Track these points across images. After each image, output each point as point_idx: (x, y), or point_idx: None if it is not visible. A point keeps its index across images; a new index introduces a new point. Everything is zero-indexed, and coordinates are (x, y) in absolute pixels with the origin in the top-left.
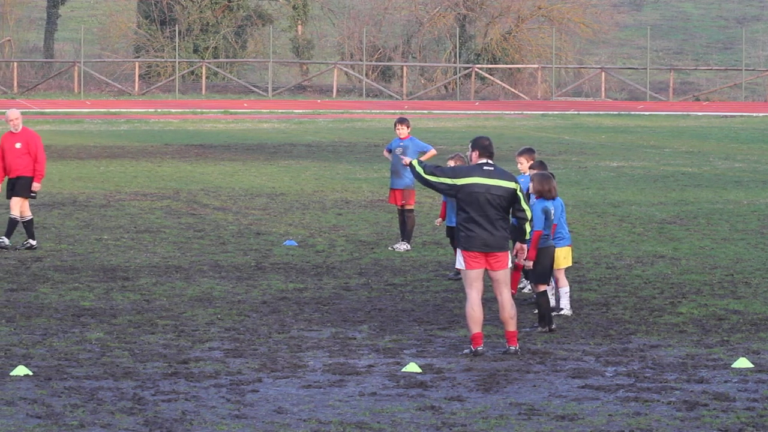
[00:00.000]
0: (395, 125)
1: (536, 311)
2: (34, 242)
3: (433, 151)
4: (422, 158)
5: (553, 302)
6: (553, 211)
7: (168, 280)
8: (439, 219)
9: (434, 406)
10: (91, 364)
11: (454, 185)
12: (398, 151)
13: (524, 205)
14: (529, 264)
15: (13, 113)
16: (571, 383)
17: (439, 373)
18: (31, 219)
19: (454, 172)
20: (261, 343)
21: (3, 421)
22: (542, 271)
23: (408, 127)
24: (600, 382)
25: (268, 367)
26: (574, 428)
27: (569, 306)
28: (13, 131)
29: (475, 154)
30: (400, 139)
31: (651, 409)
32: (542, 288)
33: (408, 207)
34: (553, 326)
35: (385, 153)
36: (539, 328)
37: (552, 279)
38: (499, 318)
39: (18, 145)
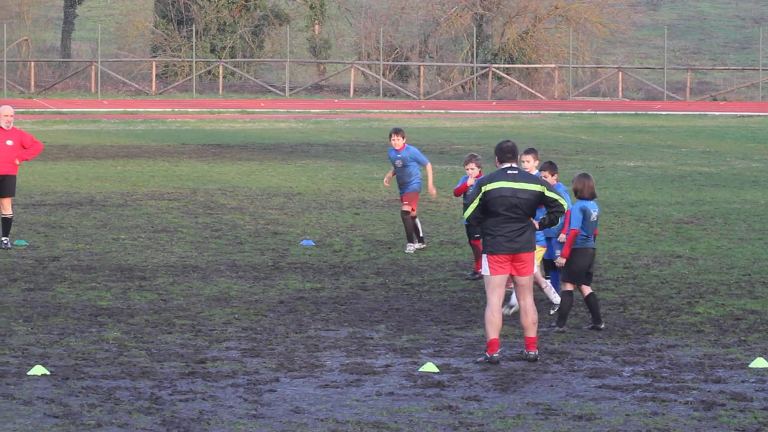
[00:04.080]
0: (390, 136)
1: (552, 311)
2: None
3: (429, 166)
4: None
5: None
6: (596, 213)
7: (185, 280)
8: None
9: (451, 406)
10: (108, 364)
11: (483, 194)
12: (398, 163)
13: (559, 199)
14: (562, 261)
15: (8, 109)
16: (589, 383)
17: (456, 373)
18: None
19: (479, 183)
20: (278, 342)
21: (21, 421)
22: (577, 270)
23: (403, 138)
24: (617, 381)
25: (286, 366)
26: (591, 428)
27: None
28: (4, 128)
29: (496, 160)
30: (396, 150)
31: (668, 408)
32: (569, 287)
33: (406, 209)
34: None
35: (386, 182)
36: (557, 328)
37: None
38: (521, 323)
39: (9, 143)
